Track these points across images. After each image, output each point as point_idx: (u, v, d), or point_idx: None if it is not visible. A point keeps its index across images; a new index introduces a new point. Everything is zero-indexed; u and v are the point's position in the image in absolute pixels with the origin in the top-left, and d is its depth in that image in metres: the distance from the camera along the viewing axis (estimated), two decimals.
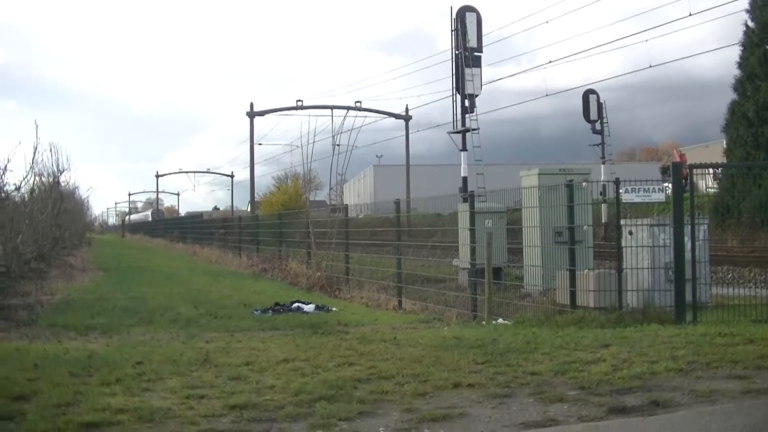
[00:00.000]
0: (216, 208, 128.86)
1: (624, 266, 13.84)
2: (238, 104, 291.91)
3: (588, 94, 42.96)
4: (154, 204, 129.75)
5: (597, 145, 43.78)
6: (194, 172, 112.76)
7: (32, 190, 23.52)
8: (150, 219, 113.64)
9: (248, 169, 60.02)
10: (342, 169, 47.19)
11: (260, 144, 61.86)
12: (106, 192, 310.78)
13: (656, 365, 8.31)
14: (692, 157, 43.20)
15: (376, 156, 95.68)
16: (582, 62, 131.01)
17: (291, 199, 53.61)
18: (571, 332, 11.24)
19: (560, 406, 6.87)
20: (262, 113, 56.78)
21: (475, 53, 30.24)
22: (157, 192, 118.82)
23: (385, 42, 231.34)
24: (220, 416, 6.72)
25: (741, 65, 36.32)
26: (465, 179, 30.24)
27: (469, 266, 16.73)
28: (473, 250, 16.15)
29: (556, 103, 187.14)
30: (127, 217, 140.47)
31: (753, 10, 35.87)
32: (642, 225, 14.79)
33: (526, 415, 6.66)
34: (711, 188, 36.96)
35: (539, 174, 19.49)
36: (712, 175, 34.01)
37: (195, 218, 70.06)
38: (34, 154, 22.30)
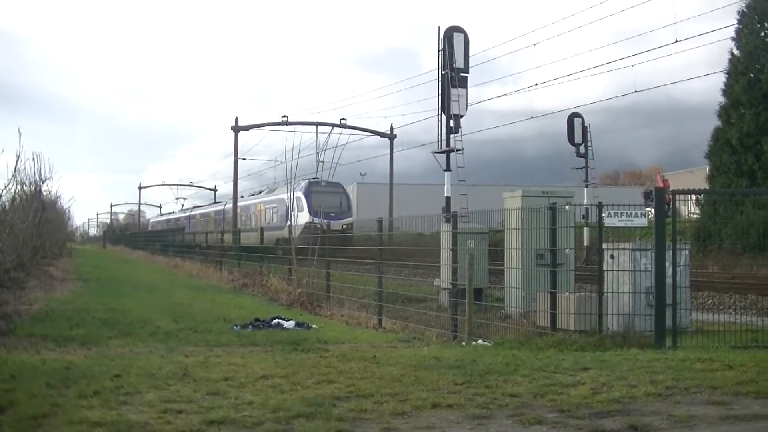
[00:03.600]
0: None
1: (605, 290, 13.86)
2: (223, 118, 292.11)
3: (573, 117, 43.01)
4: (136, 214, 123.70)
5: (580, 168, 43.89)
6: (177, 185, 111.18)
7: (14, 199, 23.38)
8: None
9: (231, 183, 59.83)
10: None
11: (244, 159, 61.61)
12: (88, 202, 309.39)
13: (635, 389, 8.33)
14: (676, 182, 43.55)
15: (360, 174, 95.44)
16: (568, 85, 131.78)
17: None
18: (551, 354, 11.26)
19: (539, 428, 6.87)
20: (246, 128, 56.54)
21: (462, 74, 30.31)
22: (140, 204, 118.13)
23: (371, 59, 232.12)
24: (197, 431, 6.69)
25: (726, 92, 36.70)
26: (448, 199, 30.22)
27: (450, 286, 16.72)
28: (455, 271, 16.13)
29: (541, 125, 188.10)
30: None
31: (739, 39, 36.30)
32: (624, 249, 14.83)
33: None
34: (693, 214, 37.18)
35: (523, 196, 19.43)
36: (694, 201, 34.21)
37: (177, 231, 69.44)
38: (17, 163, 22.16)
